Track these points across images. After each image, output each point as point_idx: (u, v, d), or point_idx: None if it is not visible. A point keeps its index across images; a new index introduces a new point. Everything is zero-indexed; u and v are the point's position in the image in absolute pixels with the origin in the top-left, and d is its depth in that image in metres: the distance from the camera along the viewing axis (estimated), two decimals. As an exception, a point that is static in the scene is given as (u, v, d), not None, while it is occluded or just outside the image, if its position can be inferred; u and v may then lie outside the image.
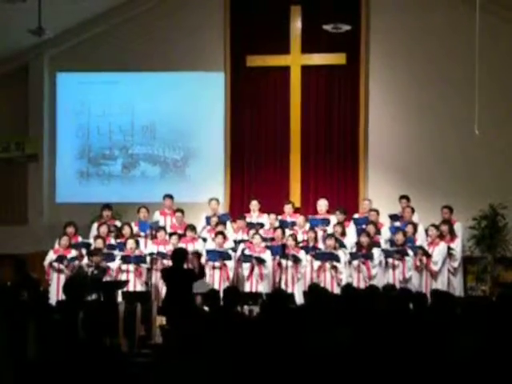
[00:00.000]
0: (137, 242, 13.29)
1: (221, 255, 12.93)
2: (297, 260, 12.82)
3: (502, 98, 14.51)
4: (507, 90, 14.56)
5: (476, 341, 6.60)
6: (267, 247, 13.03)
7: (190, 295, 10.58)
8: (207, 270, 12.98)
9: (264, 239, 13.29)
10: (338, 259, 12.70)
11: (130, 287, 12.76)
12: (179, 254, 11.05)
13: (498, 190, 14.18)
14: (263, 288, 12.67)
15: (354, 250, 12.99)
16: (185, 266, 11.36)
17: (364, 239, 12.84)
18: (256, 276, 12.86)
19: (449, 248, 12.94)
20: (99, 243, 13.09)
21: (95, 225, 14.01)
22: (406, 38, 14.94)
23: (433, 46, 14.84)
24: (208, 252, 13.02)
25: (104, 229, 13.54)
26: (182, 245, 13.22)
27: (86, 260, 12.92)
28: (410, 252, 12.74)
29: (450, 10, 14.60)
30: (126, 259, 12.95)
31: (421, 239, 13.19)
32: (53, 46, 15.60)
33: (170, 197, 14.35)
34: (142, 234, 13.79)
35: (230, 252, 13.07)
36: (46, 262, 13.16)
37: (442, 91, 14.81)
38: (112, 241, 13.55)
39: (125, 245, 13.20)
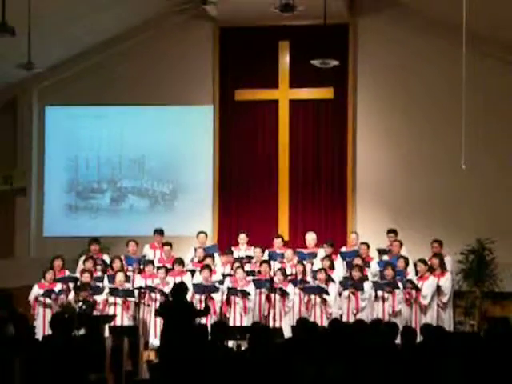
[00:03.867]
0: (127, 276, 13.20)
1: (207, 289, 12.86)
2: (284, 293, 12.78)
3: (490, 132, 14.59)
4: (494, 124, 14.66)
5: (465, 375, 6.59)
6: (253, 281, 12.99)
7: (191, 330, 10.25)
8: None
9: (250, 273, 13.26)
10: (326, 292, 12.68)
11: (117, 321, 12.66)
12: (180, 289, 10.69)
13: (486, 224, 14.22)
14: (247, 321, 12.61)
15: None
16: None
17: (356, 273, 12.84)
18: (240, 309, 12.81)
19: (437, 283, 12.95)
20: (86, 277, 12.99)
21: (82, 259, 13.93)
22: (393, 73, 15.07)
23: (420, 81, 14.96)
24: (194, 286, 12.95)
25: (89, 264, 13.45)
26: (169, 278, 13.15)
27: (72, 294, 12.80)
28: (401, 285, 12.74)
29: (438, 46, 14.72)
30: (113, 292, 12.87)
31: (412, 273, 13.19)
32: (41, 80, 15.65)
33: (160, 232, 14.30)
34: (130, 268, 13.71)
35: (217, 285, 13.01)
36: (32, 297, 13.03)
37: (430, 125, 14.90)
38: (99, 274, 13.47)
39: (114, 278, 13.11)
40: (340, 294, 12.84)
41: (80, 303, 12.38)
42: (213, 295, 12.88)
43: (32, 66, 12.59)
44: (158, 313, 11.17)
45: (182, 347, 9.24)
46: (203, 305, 12.76)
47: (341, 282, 12.90)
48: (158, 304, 12.56)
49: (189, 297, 12.82)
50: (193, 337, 9.33)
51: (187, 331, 9.89)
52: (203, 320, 12.25)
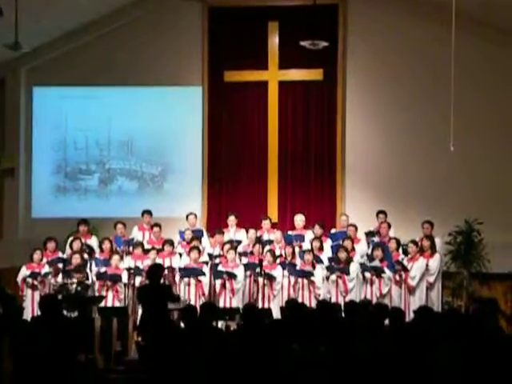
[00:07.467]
0: (121, 258, 13.19)
1: (194, 272, 12.85)
2: (271, 278, 12.78)
3: (478, 114, 14.64)
4: (482, 106, 14.70)
5: (454, 357, 6.63)
6: (244, 265, 12.97)
7: (166, 312, 10.27)
8: (182, 287, 12.82)
9: (242, 254, 13.26)
10: (312, 275, 12.70)
11: (109, 302, 12.66)
12: (154, 271, 10.51)
13: (474, 205, 14.27)
14: (236, 303, 12.62)
15: (332, 264, 13.01)
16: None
17: (342, 254, 12.86)
18: (228, 291, 12.82)
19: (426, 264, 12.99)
20: (76, 258, 12.95)
21: (70, 240, 13.88)
22: (382, 55, 15.05)
23: (409, 63, 14.95)
24: (180, 269, 12.93)
25: (77, 244, 13.40)
26: (159, 260, 13.14)
27: (60, 276, 12.75)
28: (387, 270, 12.74)
29: (428, 28, 14.71)
30: (100, 276, 12.84)
31: (401, 255, 13.22)
32: (29, 61, 15.56)
33: (149, 213, 14.29)
34: (118, 249, 13.68)
35: (205, 267, 12.99)
36: (19, 278, 13.02)
37: (418, 107, 14.91)
38: (85, 256, 13.43)
39: (109, 260, 13.08)
40: (327, 278, 12.87)
41: (75, 285, 12.31)
42: (201, 278, 12.87)
43: (19, 47, 12.50)
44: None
45: (161, 329, 9.23)
46: (192, 287, 12.77)
47: (327, 267, 12.90)
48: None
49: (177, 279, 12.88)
50: (168, 319, 9.34)
51: (162, 313, 9.86)
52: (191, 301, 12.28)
